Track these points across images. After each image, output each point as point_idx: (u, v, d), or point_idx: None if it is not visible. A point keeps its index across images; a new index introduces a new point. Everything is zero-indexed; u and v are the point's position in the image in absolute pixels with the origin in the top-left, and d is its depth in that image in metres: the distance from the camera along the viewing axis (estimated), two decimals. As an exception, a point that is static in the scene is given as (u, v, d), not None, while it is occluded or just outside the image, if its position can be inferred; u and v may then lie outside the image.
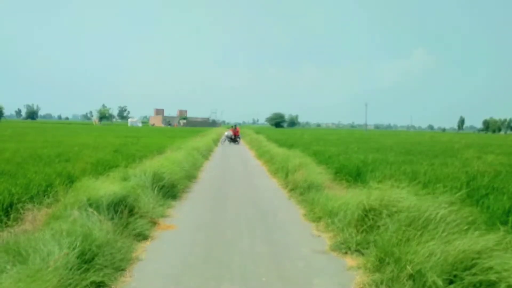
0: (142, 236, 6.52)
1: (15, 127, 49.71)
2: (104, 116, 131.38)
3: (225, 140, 33.09)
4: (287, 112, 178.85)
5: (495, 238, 4.28)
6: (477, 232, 4.52)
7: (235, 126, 35.21)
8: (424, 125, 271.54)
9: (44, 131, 39.51)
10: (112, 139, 26.90)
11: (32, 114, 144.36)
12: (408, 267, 4.29)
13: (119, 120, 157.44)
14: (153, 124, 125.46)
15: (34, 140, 22.30)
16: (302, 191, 10.16)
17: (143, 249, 6.03)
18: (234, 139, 33.25)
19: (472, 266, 3.92)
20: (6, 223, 6.16)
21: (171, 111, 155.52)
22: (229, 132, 33.47)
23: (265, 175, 15.05)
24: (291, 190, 10.95)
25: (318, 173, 11.25)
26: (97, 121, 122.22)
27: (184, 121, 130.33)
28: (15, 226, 6.14)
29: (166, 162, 11.88)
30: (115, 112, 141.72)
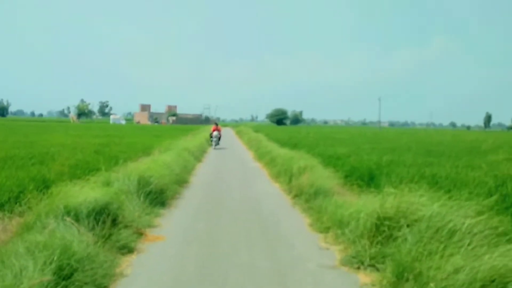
0: (127, 249, 6.50)
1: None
2: (83, 113, 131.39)
3: (216, 142, 30.16)
4: (290, 107, 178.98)
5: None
6: (509, 246, 4.50)
7: (217, 123, 32.24)
8: (445, 122, 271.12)
9: (16, 129, 39.48)
10: (92, 139, 26.92)
11: (1, 111, 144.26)
12: (431, 285, 4.27)
13: (100, 117, 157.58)
14: (138, 122, 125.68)
15: (4, 140, 22.29)
16: (308, 198, 10.15)
17: (128, 264, 6.01)
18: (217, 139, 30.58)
19: (505, 285, 3.90)
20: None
21: (159, 107, 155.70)
22: (216, 132, 30.25)
23: (266, 179, 15.05)
24: (295, 196, 10.94)
25: (326, 177, 11.23)
26: (75, 118, 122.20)
27: (174, 118, 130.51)
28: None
29: (154, 165, 11.86)
30: (95, 108, 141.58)
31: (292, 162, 13.96)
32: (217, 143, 30.18)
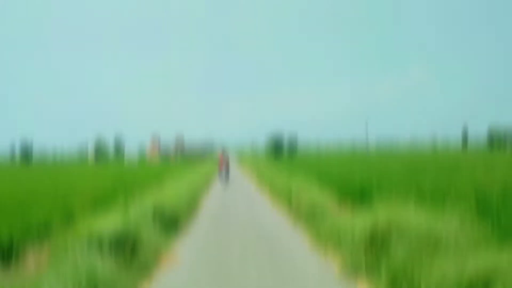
0: (146, 272, 6.51)
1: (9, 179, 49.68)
2: (99, 150, 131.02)
3: (226, 178, 22.44)
4: (286, 128, 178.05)
5: (510, 255, 4.28)
6: (489, 249, 4.54)
7: (224, 150, 24.69)
8: (427, 137, 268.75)
9: (43, 173, 39.51)
10: (109, 179, 26.90)
11: (26, 151, 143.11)
12: (422, 288, 4.30)
13: (114, 153, 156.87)
14: (151, 160, 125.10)
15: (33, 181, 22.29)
16: (307, 217, 10.17)
17: (148, 285, 6.02)
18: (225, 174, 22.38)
19: (487, 283, 3.92)
20: (7, 265, 6.14)
21: (167, 134, 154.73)
22: (224, 171, 22.52)
23: (267, 203, 15.08)
24: (296, 216, 10.98)
25: (323, 197, 11.27)
26: (93, 159, 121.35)
27: (182, 149, 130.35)
28: (17, 267, 6.12)
29: (166, 196, 11.94)
30: (110, 140, 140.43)
31: (292, 187, 14.02)
32: (227, 178, 22.42)
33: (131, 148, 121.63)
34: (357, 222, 7.10)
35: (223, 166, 22.51)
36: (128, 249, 6.65)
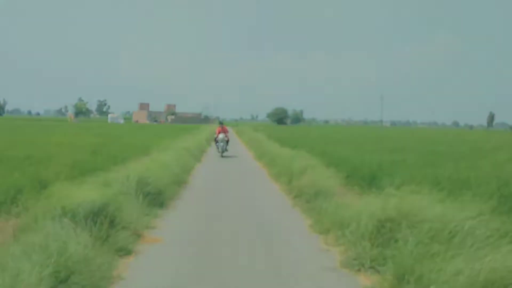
0: (124, 251, 6.50)
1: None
2: (80, 112, 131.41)
3: (223, 148, 24.28)
4: (291, 106, 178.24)
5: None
6: (510, 247, 4.51)
7: (221, 123, 26.39)
8: (448, 122, 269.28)
9: (12, 129, 39.45)
10: (90, 138, 26.87)
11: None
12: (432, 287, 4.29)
13: (98, 116, 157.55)
14: (137, 121, 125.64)
15: (1, 139, 22.24)
16: (308, 198, 10.17)
17: (126, 266, 6.02)
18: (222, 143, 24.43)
19: (505, 287, 3.91)
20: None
21: (158, 106, 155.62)
22: (222, 135, 24.34)
23: (266, 179, 15.07)
24: (296, 197, 10.96)
25: (327, 177, 11.25)
26: (72, 117, 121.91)
27: (173, 117, 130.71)
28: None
29: (152, 165, 11.88)
30: (93, 106, 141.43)
31: (293, 162, 14.00)
32: (225, 149, 24.52)
33: (115, 117, 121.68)
34: (364, 208, 7.07)
35: (222, 139, 24.03)
36: (105, 225, 6.63)
